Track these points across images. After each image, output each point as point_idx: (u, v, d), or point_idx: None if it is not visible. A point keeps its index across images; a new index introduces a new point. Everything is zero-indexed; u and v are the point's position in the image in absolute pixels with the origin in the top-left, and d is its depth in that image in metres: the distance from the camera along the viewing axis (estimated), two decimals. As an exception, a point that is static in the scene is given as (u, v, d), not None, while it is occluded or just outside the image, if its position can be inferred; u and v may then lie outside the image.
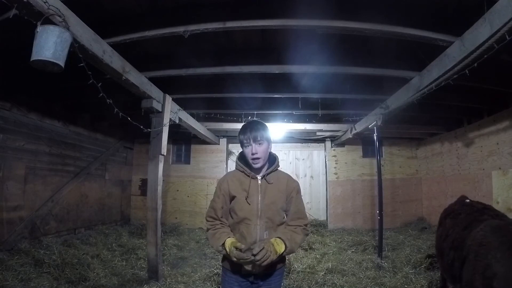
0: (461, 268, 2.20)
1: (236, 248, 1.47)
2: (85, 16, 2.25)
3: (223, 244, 1.54)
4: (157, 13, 2.72)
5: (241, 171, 1.72)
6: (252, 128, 1.65)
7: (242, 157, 1.76)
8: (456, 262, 2.32)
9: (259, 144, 1.64)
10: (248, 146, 1.65)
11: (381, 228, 4.53)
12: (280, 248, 1.52)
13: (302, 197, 1.82)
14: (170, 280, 3.60)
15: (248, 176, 1.69)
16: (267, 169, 1.72)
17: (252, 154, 1.63)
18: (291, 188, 1.72)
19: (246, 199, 1.63)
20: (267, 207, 1.64)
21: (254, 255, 1.40)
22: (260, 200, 1.64)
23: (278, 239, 1.55)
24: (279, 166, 1.78)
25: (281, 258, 1.68)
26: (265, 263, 1.43)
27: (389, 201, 7.06)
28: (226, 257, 1.67)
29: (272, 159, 1.76)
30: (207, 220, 1.71)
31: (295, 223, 1.68)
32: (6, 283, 3.06)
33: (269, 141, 1.70)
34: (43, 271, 3.51)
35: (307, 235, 1.74)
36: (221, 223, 1.67)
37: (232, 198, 1.67)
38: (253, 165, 1.66)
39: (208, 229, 1.68)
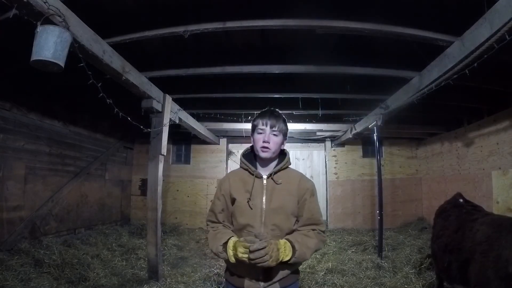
0: (463, 270, 2.20)
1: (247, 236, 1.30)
2: (85, 16, 2.25)
3: (226, 243, 1.32)
4: (157, 13, 2.71)
5: (245, 169, 1.49)
6: (272, 115, 1.44)
7: (247, 153, 1.54)
8: (454, 265, 2.32)
9: (274, 134, 1.42)
10: (262, 132, 1.42)
11: (381, 228, 4.54)
12: (286, 255, 1.27)
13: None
14: (170, 280, 3.60)
15: (252, 174, 1.45)
16: (276, 166, 1.47)
17: (264, 142, 1.40)
18: (304, 189, 1.45)
19: (248, 202, 1.39)
20: (274, 212, 1.39)
21: (251, 252, 1.20)
22: (265, 204, 1.40)
23: (287, 243, 1.30)
24: (290, 164, 1.53)
25: (295, 270, 1.44)
26: (259, 265, 1.21)
27: (389, 201, 7.05)
28: (228, 268, 1.46)
29: (282, 156, 1.52)
30: (207, 224, 1.54)
31: (307, 228, 1.43)
32: (6, 283, 3.06)
33: (285, 136, 1.48)
34: (43, 271, 3.51)
35: (323, 241, 1.45)
36: (223, 226, 1.48)
37: (233, 200, 1.45)
38: (261, 154, 1.42)
39: (208, 231, 1.50)
